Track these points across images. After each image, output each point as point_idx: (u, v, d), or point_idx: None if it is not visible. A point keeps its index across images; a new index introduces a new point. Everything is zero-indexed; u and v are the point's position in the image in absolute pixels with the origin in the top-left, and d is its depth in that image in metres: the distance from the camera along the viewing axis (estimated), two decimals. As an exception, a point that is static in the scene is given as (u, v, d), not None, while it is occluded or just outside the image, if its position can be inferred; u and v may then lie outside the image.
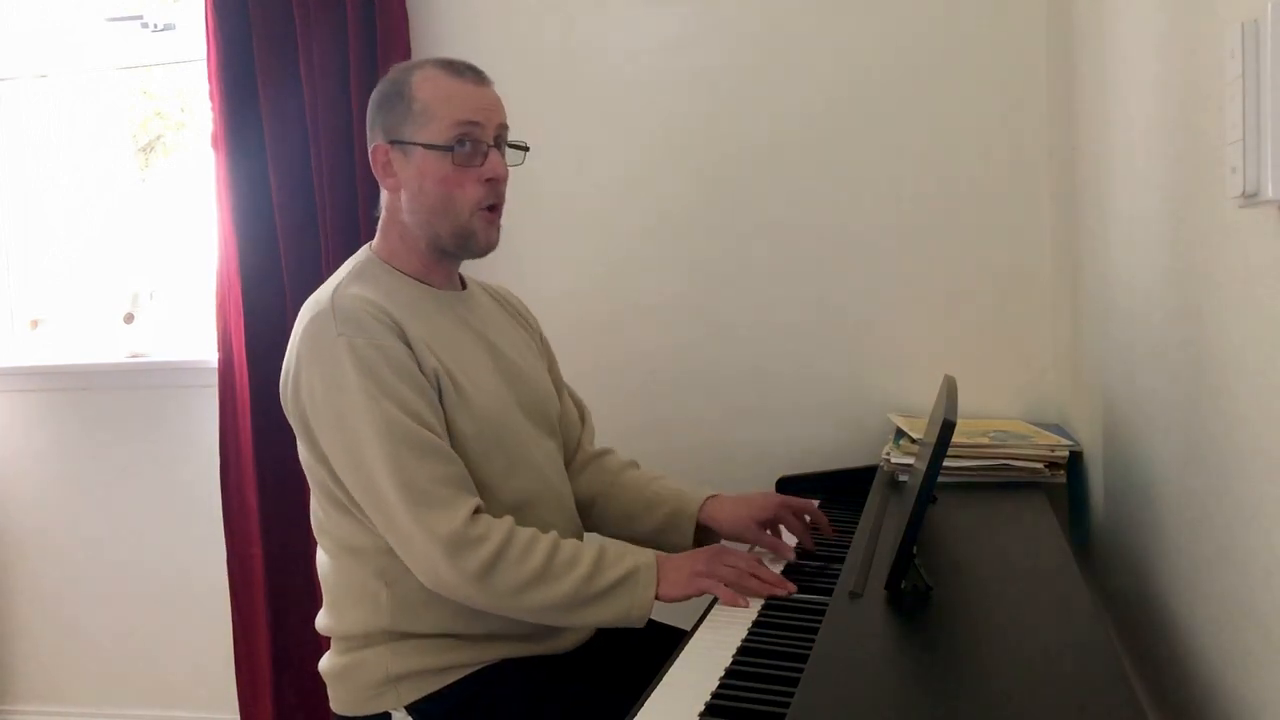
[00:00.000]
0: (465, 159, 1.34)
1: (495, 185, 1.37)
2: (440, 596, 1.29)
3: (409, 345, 1.29)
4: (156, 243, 2.63)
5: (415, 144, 1.34)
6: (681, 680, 1.05)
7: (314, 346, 1.29)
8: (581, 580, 1.24)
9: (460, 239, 1.38)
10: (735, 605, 1.25)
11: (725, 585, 1.26)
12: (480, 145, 1.35)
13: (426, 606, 1.31)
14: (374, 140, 1.38)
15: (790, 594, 1.26)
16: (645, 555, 1.29)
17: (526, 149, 1.44)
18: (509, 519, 1.27)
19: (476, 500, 1.26)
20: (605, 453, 1.63)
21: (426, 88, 1.35)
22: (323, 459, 1.31)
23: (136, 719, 2.57)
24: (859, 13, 2.03)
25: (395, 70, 1.40)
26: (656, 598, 1.26)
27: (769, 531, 1.49)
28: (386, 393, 1.24)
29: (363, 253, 1.43)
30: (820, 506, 1.75)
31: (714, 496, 1.52)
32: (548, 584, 1.23)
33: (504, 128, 1.39)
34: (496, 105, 1.38)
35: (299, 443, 1.36)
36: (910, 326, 2.06)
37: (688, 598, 1.28)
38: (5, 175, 2.63)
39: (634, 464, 1.63)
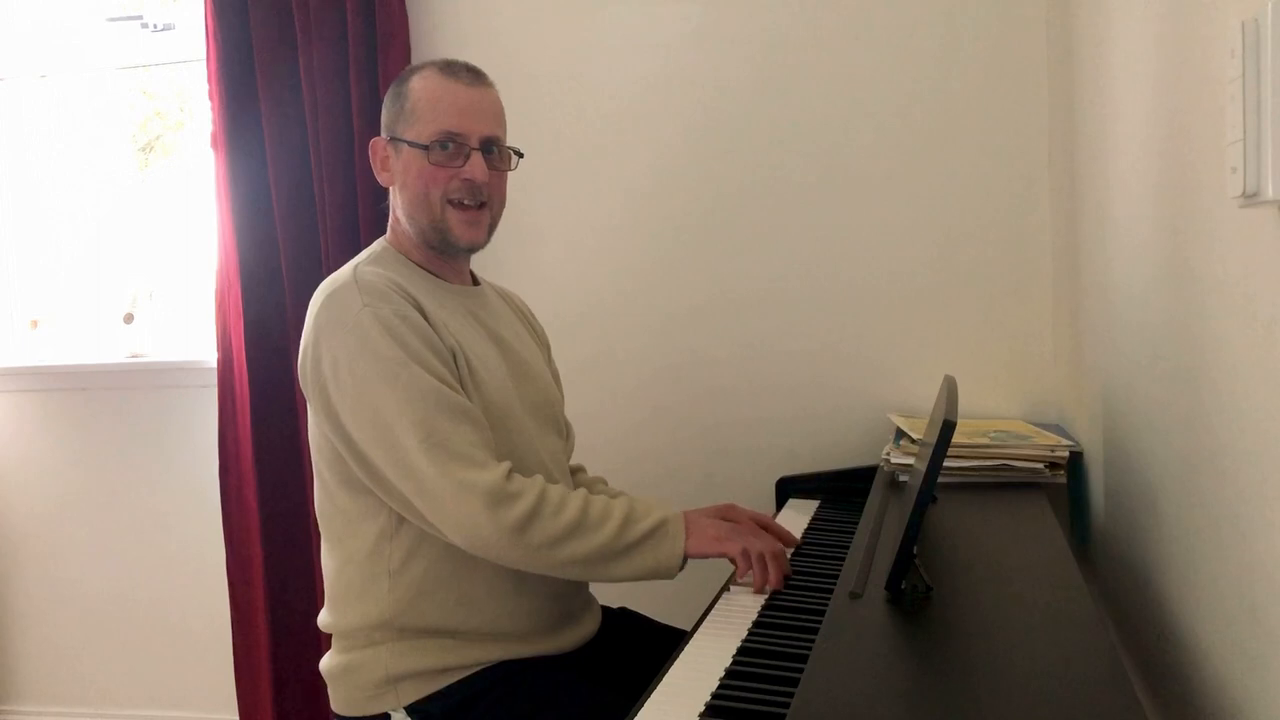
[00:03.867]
0: (445, 159, 1.37)
1: (471, 185, 1.38)
2: (441, 588, 1.30)
3: (428, 321, 1.32)
4: (156, 243, 2.63)
5: (403, 141, 1.39)
6: (681, 680, 1.04)
7: (337, 317, 1.30)
8: (614, 533, 1.26)
9: (438, 233, 1.40)
10: (746, 579, 1.28)
11: (745, 555, 1.29)
12: (463, 148, 1.38)
13: (428, 599, 1.31)
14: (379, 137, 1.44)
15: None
16: (671, 509, 1.32)
17: (520, 155, 1.46)
18: (540, 477, 1.29)
19: (508, 462, 1.28)
20: (576, 470, 1.66)
21: (419, 87, 1.39)
22: (340, 432, 1.30)
23: (136, 719, 2.57)
24: (859, 15, 2.03)
25: (405, 70, 1.44)
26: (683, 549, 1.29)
27: None
28: (415, 358, 1.26)
29: (379, 243, 1.46)
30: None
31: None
32: (582, 536, 1.25)
33: (493, 138, 1.40)
34: (485, 110, 1.40)
35: (312, 418, 1.36)
36: (910, 326, 2.06)
37: (709, 556, 1.30)
38: (5, 175, 2.63)
39: (602, 480, 1.66)
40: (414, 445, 1.24)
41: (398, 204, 1.43)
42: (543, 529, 1.24)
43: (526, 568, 1.28)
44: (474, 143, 1.38)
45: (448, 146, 1.37)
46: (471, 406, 1.29)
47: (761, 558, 1.29)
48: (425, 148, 1.37)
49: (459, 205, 1.39)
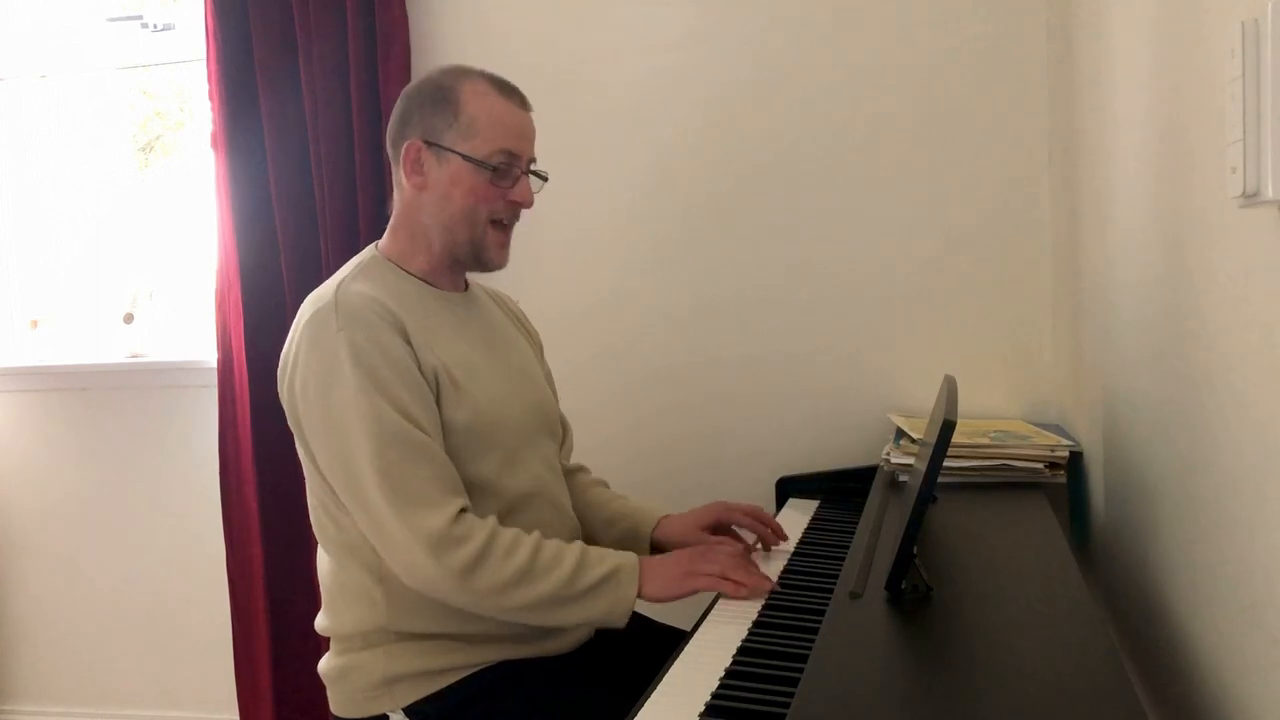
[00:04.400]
0: (499, 179, 1.37)
1: (517, 207, 1.41)
2: None
3: (409, 343, 1.30)
4: (156, 243, 2.63)
5: (454, 152, 1.36)
6: (681, 680, 1.04)
7: (314, 341, 1.29)
8: (564, 581, 1.24)
9: (474, 250, 1.40)
10: (736, 596, 1.26)
11: (716, 578, 1.28)
12: (514, 170, 1.38)
13: (423, 605, 1.31)
14: (408, 137, 1.38)
15: (772, 588, 1.27)
16: (627, 556, 1.30)
17: (546, 179, 1.46)
18: (493, 519, 1.27)
19: (463, 501, 1.26)
20: (578, 470, 1.65)
21: (477, 102, 1.36)
22: (309, 452, 1.32)
23: (136, 719, 2.57)
24: (859, 14, 2.03)
25: (440, 74, 1.40)
26: (643, 597, 1.28)
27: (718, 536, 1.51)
28: (381, 390, 1.25)
29: (368, 251, 1.44)
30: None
31: (666, 516, 1.55)
32: (530, 583, 1.24)
33: (533, 160, 1.42)
34: (533, 134, 1.42)
35: (295, 436, 1.36)
36: (910, 326, 2.06)
37: (679, 598, 1.28)
38: (5, 175, 2.63)
39: (603, 483, 1.65)
40: (370, 479, 1.23)
41: (427, 211, 1.39)
42: (489, 574, 1.22)
43: (477, 611, 1.27)
44: (523, 166, 1.40)
45: (504, 168, 1.37)
46: (430, 443, 1.27)
47: (739, 570, 1.28)
48: (492, 168, 1.36)
49: (498, 225, 1.40)
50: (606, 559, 1.28)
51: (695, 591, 1.28)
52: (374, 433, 1.23)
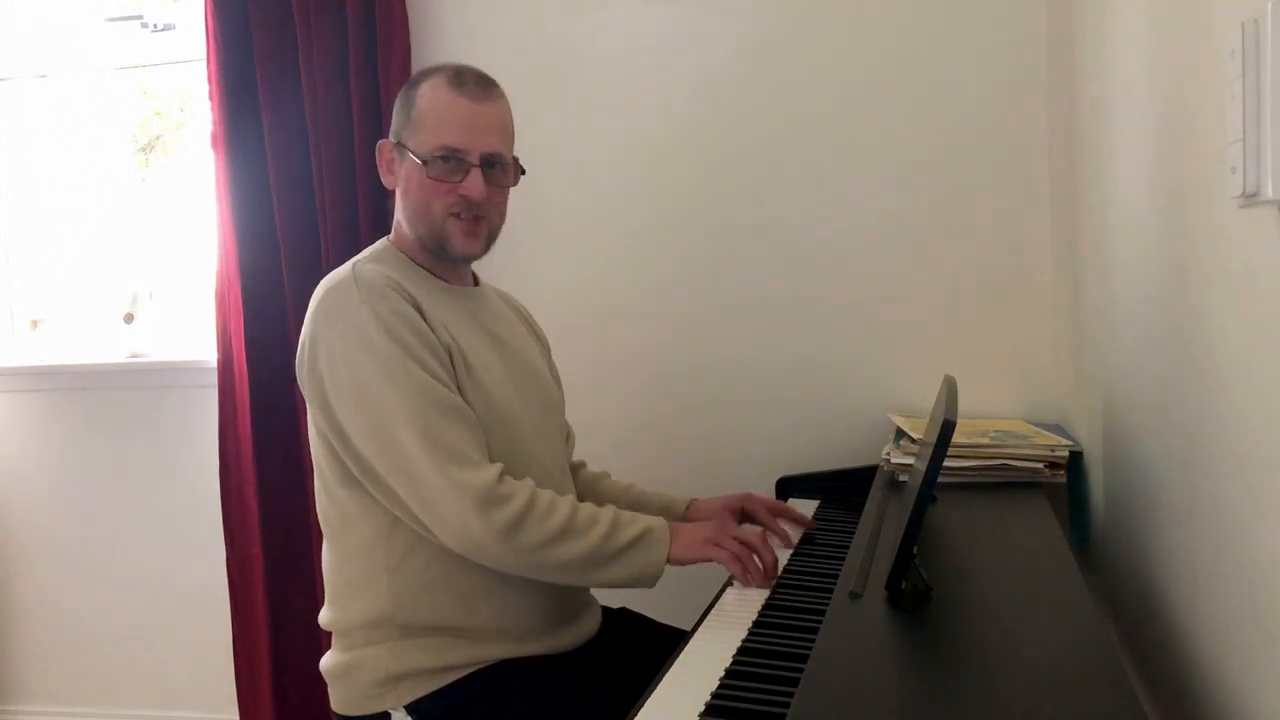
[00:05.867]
0: (445, 173, 1.37)
1: (468, 200, 1.38)
2: (441, 584, 1.31)
3: (425, 320, 1.32)
4: (156, 243, 2.63)
5: (406, 148, 1.39)
6: (681, 680, 1.05)
7: (336, 314, 1.30)
8: (601, 538, 1.28)
9: (436, 242, 1.41)
10: (745, 583, 1.31)
11: (735, 559, 1.32)
12: (463, 163, 1.37)
13: (427, 595, 1.32)
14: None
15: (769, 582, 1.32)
16: (657, 519, 1.35)
17: (523, 171, 1.45)
18: (530, 480, 1.30)
19: (500, 464, 1.29)
20: (579, 465, 1.67)
21: (427, 97, 1.38)
22: (335, 428, 1.31)
23: (136, 719, 2.57)
24: (859, 12, 2.03)
25: (419, 71, 1.44)
26: (669, 557, 1.31)
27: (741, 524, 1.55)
28: (412, 356, 1.27)
29: (381, 242, 1.47)
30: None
31: (695, 500, 1.59)
32: (570, 541, 1.27)
33: (495, 154, 1.39)
34: (489, 125, 1.38)
35: (311, 414, 1.36)
36: (910, 326, 2.06)
37: (697, 561, 1.33)
38: (5, 175, 2.63)
39: (606, 474, 1.68)
40: (410, 442, 1.24)
41: (400, 206, 1.43)
42: (532, 532, 1.25)
43: (515, 571, 1.29)
44: (474, 159, 1.37)
45: (449, 161, 1.36)
46: (466, 406, 1.30)
47: (749, 553, 1.32)
48: (431, 161, 1.36)
49: (457, 217, 1.39)
50: (638, 520, 1.32)
51: (710, 559, 1.32)
52: (411, 396, 1.25)
